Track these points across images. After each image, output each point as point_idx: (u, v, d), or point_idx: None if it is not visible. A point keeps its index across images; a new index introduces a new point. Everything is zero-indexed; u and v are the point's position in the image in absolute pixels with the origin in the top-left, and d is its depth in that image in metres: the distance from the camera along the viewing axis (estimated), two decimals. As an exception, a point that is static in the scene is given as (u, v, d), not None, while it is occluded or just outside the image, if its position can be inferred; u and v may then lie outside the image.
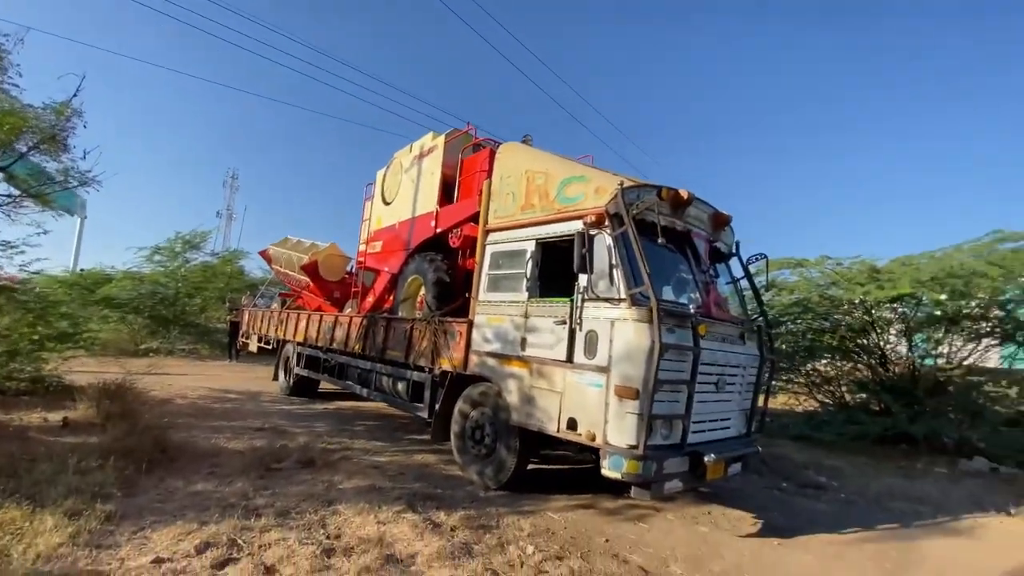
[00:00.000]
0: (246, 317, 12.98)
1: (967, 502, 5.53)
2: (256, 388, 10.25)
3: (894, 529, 4.61)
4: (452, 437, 5.22)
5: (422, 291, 6.56)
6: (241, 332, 13.27)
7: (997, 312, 7.24)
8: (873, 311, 8.32)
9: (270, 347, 10.94)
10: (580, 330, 4.05)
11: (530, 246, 4.67)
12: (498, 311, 4.82)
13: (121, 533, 3.16)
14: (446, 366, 5.28)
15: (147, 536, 3.17)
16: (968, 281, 6.60)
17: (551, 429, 4.13)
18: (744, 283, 5.53)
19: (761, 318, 5.25)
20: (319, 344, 8.27)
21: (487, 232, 5.16)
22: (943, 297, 6.87)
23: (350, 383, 7.48)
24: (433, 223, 6.42)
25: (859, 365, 9.79)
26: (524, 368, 4.44)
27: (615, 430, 3.70)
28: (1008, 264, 6.35)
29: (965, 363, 7.99)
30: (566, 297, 4.30)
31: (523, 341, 4.50)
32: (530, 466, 4.82)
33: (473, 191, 6.18)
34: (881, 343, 9.09)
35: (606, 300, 3.89)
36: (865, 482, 6.18)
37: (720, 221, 4.97)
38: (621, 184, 4.04)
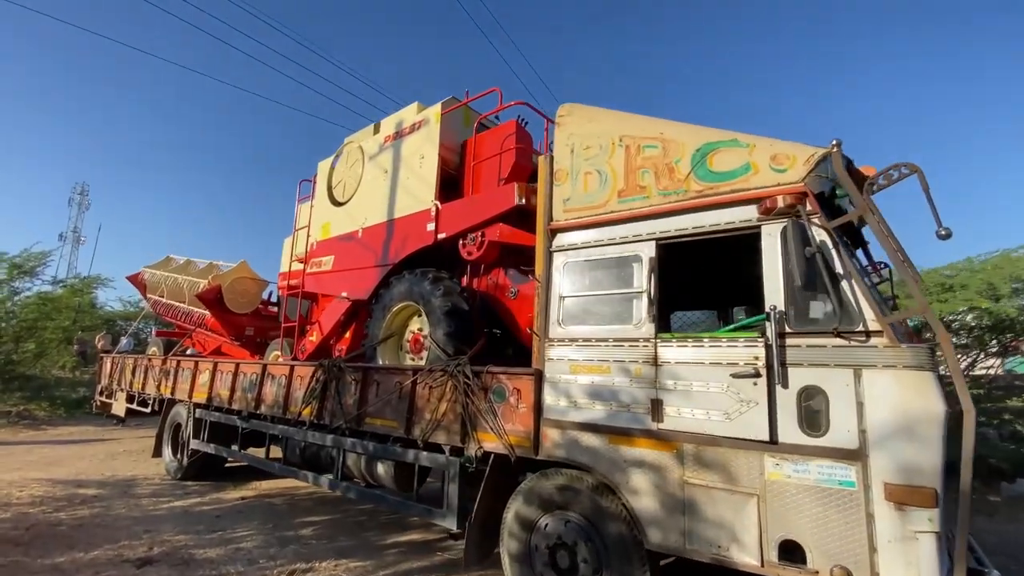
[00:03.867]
0: (107, 366, 9.53)
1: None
2: (127, 471, 7.16)
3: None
4: (506, 559, 3.25)
5: (415, 325, 4.51)
6: (99, 388, 9.73)
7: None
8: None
9: (148, 409, 7.84)
10: (784, 386, 2.40)
11: (646, 250, 2.96)
12: (594, 355, 3.01)
13: None
14: (491, 444, 3.32)
15: None
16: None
17: (744, 559, 2.39)
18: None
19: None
20: (234, 406, 5.71)
21: (554, 232, 3.36)
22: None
23: (292, 468, 5.06)
24: (432, 226, 4.44)
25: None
26: (665, 451, 2.68)
27: (898, 566, 2.08)
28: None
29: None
30: (729, 329, 2.66)
31: (656, 405, 2.74)
32: None
33: (490, 180, 4.38)
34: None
35: (844, 335, 2.30)
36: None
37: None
38: (836, 144, 2.53)
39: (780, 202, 2.50)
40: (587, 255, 3.19)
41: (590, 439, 2.93)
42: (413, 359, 4.44)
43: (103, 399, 9.51)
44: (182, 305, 8.70)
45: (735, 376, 2.52)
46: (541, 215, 3.42)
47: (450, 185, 4.74)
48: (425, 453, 3.73)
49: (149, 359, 7.88)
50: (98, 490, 6.12)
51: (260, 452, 5.67)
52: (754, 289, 4.44)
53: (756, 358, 2.48)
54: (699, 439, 2.59)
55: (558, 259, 3.30)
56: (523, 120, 4.56)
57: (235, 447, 5.88)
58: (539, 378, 3.17)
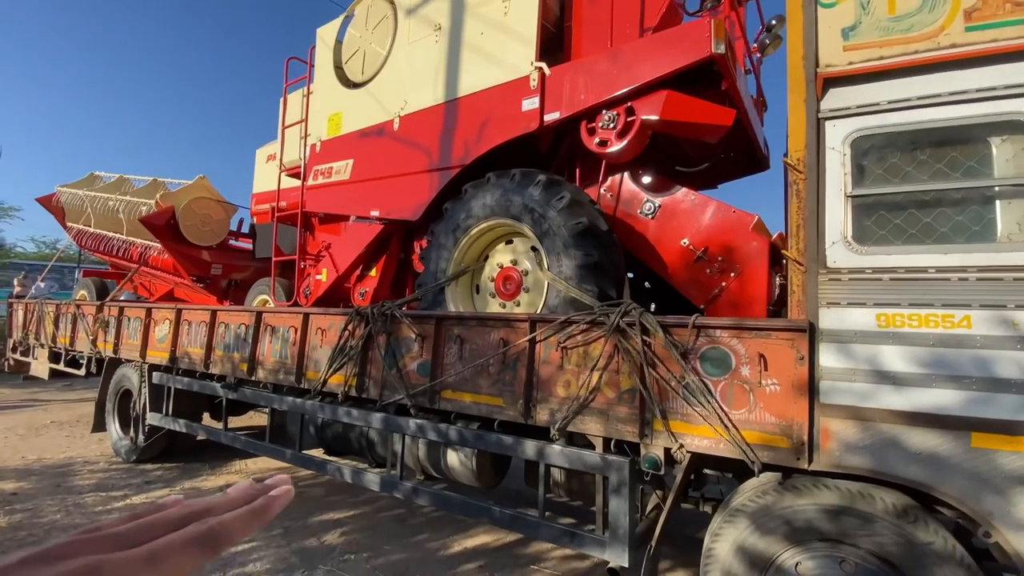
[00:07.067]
0: (19, 315, 7.48)
1: None
2: (59, 452, 5.47)
3: None
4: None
5: (504, 257, 3.07)
6: (11, 342, 7.69)
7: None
8: None
9: (81, 372, 6.03)
10: None
11: (1049, 108, 1.65)
12: (930, 297, 1.73)
13: None
14: (703, 442, 2.04)
15: None
16: None
17: None
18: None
19: None
20: (213, 370, 4.13)
21: (827, 83, 1.96)
22: None
23: (315, 459, 3.61)
24: (533, 102, 2.92)
25: None
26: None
27: None
28: None
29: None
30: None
31: (1094, 384, 1.52)
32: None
33: (626, 31, 2.90)
34: None
35: None
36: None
37: None
38: None
39: None
40: (903, 120, 1.84)
41: (928, 440, 1.70)
42: (503, 306, 3.03)
43: (16, 356, 7.52)
44: (117, 236, 6.72)
45: None
46: (798, 57, 2.00)
47: (546, 50, 3.19)
48: (558, 448, 2.41)
49: (78, 305, 6.00)
50: (20, 483, 4.49)
51: (255, 439, 4.21)
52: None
53: None
54: None
55: (838, 130, 1.93)
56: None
57: (219, 424, 4.37)
58: (811, 336, 1.87)
